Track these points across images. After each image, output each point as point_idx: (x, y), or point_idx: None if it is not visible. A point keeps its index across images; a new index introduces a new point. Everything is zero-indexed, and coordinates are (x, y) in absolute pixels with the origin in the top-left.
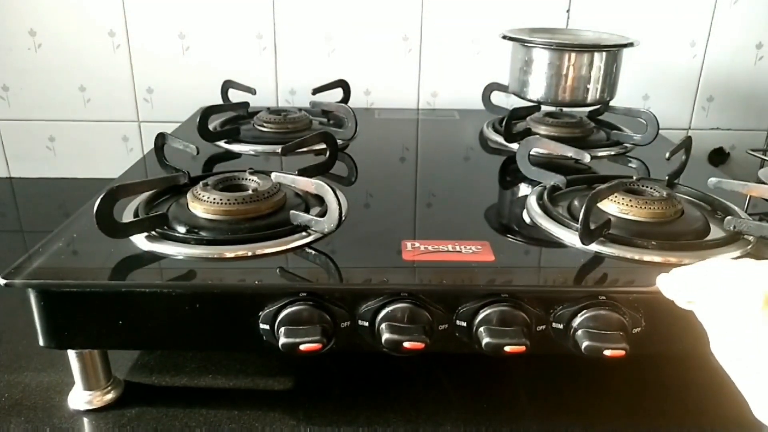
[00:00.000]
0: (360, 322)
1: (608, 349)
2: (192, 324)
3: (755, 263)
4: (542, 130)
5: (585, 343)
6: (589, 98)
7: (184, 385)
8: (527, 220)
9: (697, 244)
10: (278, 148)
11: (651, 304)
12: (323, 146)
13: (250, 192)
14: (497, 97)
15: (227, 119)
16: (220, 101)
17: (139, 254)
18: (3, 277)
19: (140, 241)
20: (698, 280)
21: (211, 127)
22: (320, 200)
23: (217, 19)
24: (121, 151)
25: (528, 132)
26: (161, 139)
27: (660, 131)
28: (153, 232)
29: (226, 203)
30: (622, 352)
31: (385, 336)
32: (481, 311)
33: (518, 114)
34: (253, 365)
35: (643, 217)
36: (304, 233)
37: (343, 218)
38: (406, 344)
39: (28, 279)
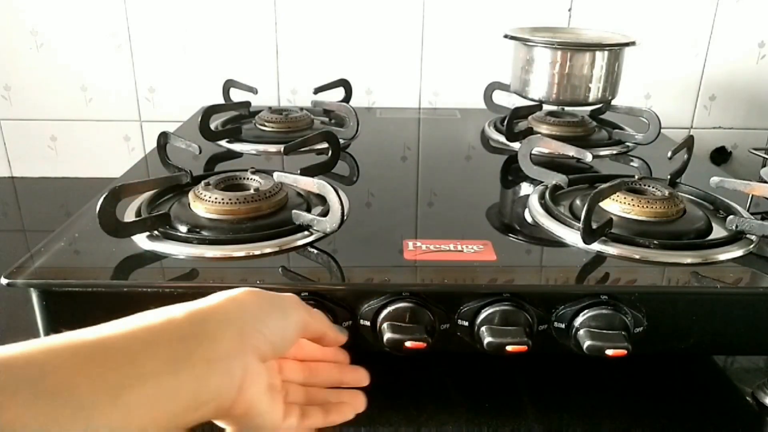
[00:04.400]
0: (361, 322)
1: (610, 348)
2: None
3: None
4: (544, 129)
5: (587, 343)
6: (591, 97)
7: None
8: (529, 219)
9: (699, 243)
10: (280, 148)
11: (653, 304)
12: (325, 145)
13: (251, 191)
14: (499, 96)
15: (229, 118)
16: (222, 100)
17: (140, 254)
18: (5, 277)
19: (142, 241)
20: None
21: (212, 126)
22: (322, 200)
23: (218, 18)
24: (123, 151)
25: (529, 131)
26: (164, 138)
27: (662, 130)
28: (155, 232)
29: (227, 203)
30: (623, 352)
31: (387, 335)
32: (482, 311)
33: (520, 113)
34: None
35: (645, 216)
36: (306, 232)
37: (345, 218)
38: (408, 344)
39: (30, 279)
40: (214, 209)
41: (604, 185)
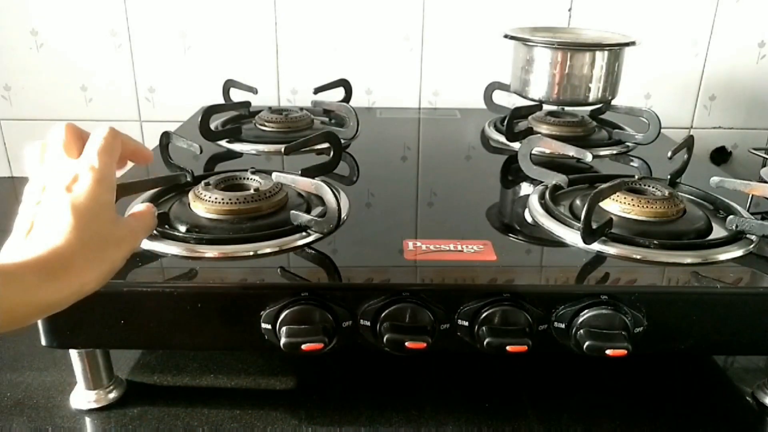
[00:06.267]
0: (362, 322)
1: (610, 348)
2: (193, 323)
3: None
4: (544, 129)
5: (587, 343)
6: (591, 97)
7: (185, 384)
8: (529, 219)
9: (699, 243)
10: (280, 148)
11: (653, 304)
12: (325, 145)
13: (251, 192)
14: (499, 96)
15: (229, 118)
16: (222, 100)
17: (140, 253)
18: None
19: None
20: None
21: (212, 126)
22: (322, 200)
23: (218, 18)
24: None
25: (529, 131)
26: (166, 137)
27: (662, 130)
28: (154, 231)
29: (227, 203)
30: (623, 352)
31: (387, 335)
32: (482, 311)
33: (520, 113)
34: (255, 365)
35: (645, 216)
36: (305, 233)
37: (343, 219)
38: (408, 344)
39: None
40: (213, 209)
41: (604, 185)
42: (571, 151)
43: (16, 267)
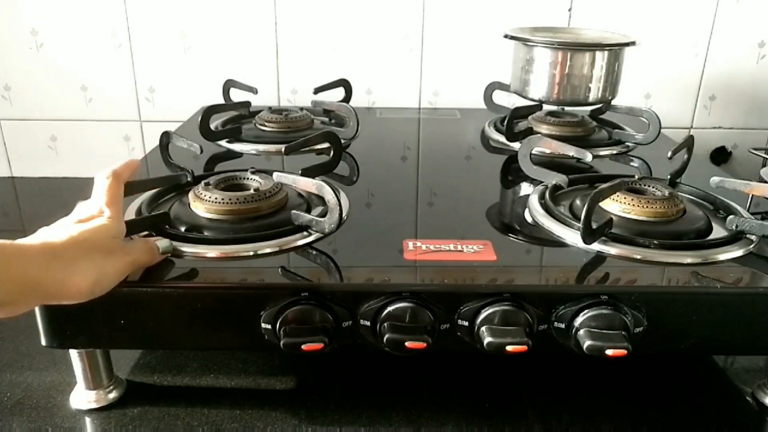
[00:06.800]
0: (362, 322)
1: (610, 348)
2: (194, 323)
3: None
4: (544, 129)
5: (587, 343)
6: (591, 97)
7: (185, 384)
8: (529, 219)
9: (699, 243)
10: (280, 148)
11: (653, 304)
12: (325, 145)
13: (251, 191)
14: (499, 96)
15: (229, 118)
16: (222, 100)
17: None
18: None
19: None
20: None
21: (212, 126)
22: (322, 200)
23: (218, 18)
24: (123, 151)
25: (530, 131)
26: (166, 137)
27: (662, 130)
28: (153, 234)
29: (227, 203)
30: (623, 352)
31: (387, 335)
32: (482, 311)
33: (520, 113)
34: (255, 365)
35: (645, 216)
36: (305, 233)
37: (344, 218)
38: (408, 344)
39: None
40: (214, 209)
41: (604, 185)
42: (571, 151)
43: (3, 244)
